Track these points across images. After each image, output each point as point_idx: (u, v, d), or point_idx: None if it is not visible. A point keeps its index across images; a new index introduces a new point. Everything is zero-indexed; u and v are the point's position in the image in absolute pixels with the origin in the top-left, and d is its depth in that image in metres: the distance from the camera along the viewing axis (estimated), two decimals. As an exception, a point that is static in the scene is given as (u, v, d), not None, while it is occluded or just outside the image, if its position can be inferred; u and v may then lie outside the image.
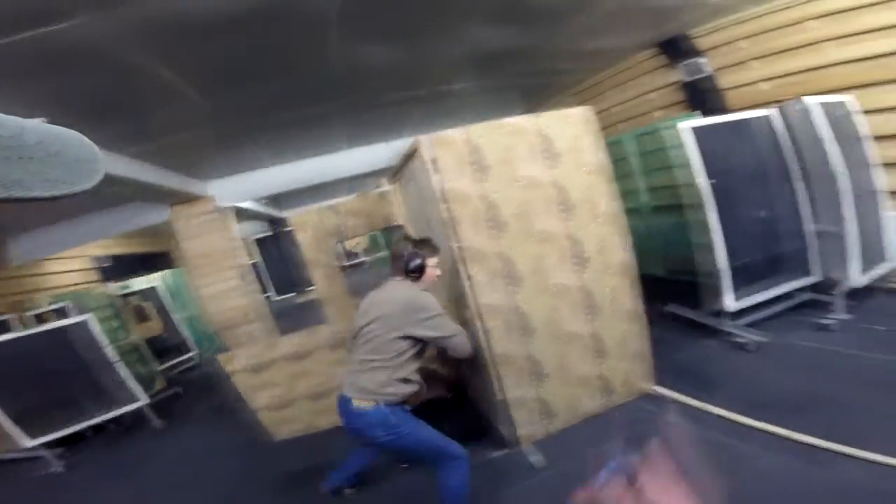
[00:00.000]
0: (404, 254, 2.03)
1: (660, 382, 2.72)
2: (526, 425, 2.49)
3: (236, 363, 3.04)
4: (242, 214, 6.88)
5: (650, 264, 4.27)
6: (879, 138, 3.13)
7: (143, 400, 4.10)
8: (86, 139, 0.28)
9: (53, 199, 0.24)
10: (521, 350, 2.45)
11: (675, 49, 4.03)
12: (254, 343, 3.89)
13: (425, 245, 2.09)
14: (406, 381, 1.93)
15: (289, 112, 3.76)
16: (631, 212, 4.33)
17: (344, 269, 12.86)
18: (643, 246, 4.14)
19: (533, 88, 5.04)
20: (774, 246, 3.12)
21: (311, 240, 3.05)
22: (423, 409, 2.82)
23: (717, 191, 2.90)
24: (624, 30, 3.72)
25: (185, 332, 6.00)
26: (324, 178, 5.59)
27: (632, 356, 2.68)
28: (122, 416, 4.05)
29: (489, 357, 2.39)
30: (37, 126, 0.25)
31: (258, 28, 2.23)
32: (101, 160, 0.28)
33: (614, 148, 4.07)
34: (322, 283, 3.11)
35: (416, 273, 2.04)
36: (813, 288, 3.23)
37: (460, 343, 2.00)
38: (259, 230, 10.97)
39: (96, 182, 0.27)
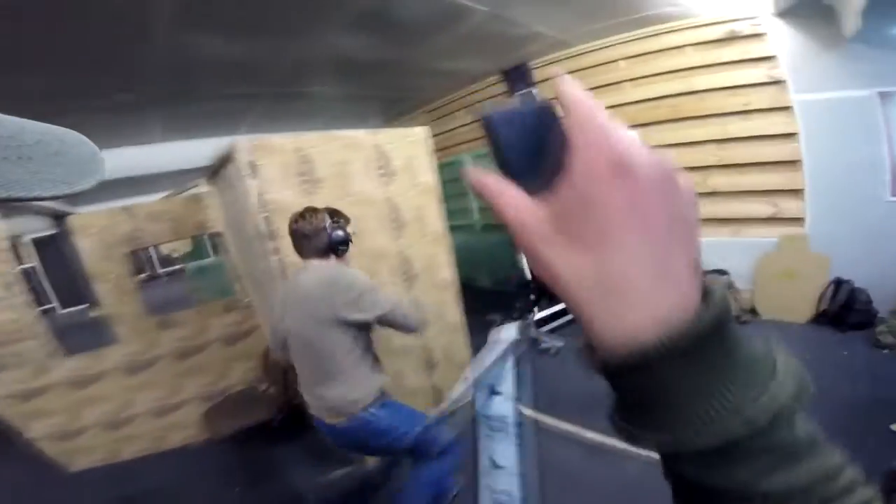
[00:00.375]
0: (324, 227, 1.66)
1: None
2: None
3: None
4: (8, 207, 5.26)
5: (479, 277, 4.71)
6: None
7: None
8: (86, 139, 0.27)
9: (53, 198, 0.23)
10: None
11: (516, 78, 4.44)
12: (20, 366, 3.04)
13: (338, 213, 1.77)
14: (371, 370, 1.69)
15: (92, 99, 3.07)
16: (464, 228, 4.71)
17: (151, 279, 10.99)
18: (474, 259, 4.52)
19: (393, 101, 5.09)
20: None
21: (97, 247, 2.48)
22: (243, 437, 2.58)
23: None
24: (476, 54, 3.92)
25: None
26: (132, 172, 4.65)
27: (458, 366, 2.87)
28: None
29: None
30: (36, 125, 0.24)
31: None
32: (102, 160, 0.27)
33: (453, 167, 4.26)
34: (111, 299, 2.56)
35: (344, 247, 1.72)
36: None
37: (404, 317, 1.68)
38: (39, 227, 8.60)
39: (96, 182, 0.26)
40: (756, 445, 0.22)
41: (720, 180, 3.63)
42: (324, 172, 2.22)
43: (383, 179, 2.42)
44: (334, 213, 1.74)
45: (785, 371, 0.23)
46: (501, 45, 3.82)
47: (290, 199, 2.13)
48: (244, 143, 2.02)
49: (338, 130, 2.32)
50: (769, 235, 3.49)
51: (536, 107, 0.26)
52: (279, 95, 4.13)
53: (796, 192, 3.34)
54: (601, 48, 3.98)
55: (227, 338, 3.10)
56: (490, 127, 0.26)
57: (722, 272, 3.70)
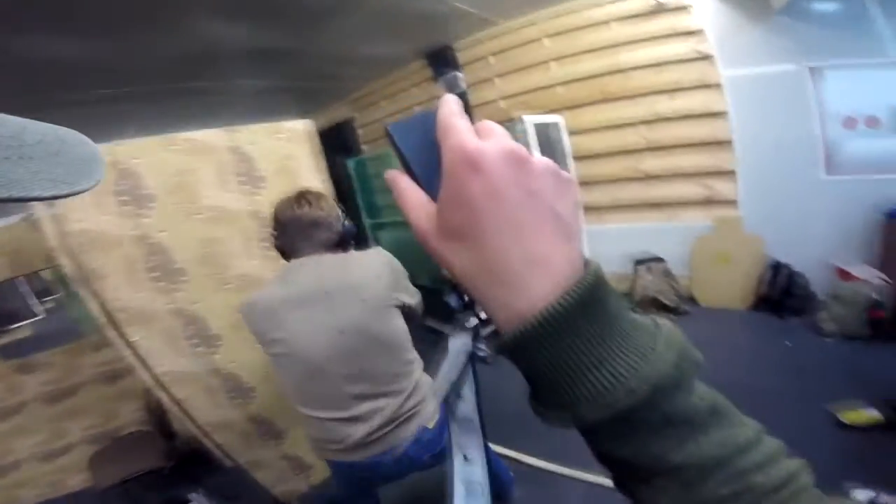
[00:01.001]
0: (338, 213, 1.30)
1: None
2: (279, 484, 2.13)
3: None
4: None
5: (418, 274, 4.30)
6: (578, 158, 3.63)
7: None
8: (87, 139, 0.27)
9: (54, 199, 0.23)
10: (239, 413, 1.97)
11: (440, 61, 4.02)
12: None
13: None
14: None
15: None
16: (397, 225, 4.31)
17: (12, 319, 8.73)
18: (410, 257, 4.12)
19: (308, 92, 4.61)
20: None
21: None
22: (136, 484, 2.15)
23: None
24: (392, 36, 3.51)
25: None
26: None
27: None
28: None
29: (193, 429, 1.89)
30: (38, 125, 0.24)
31: None
32: (102, 160, 0.26)
33: (382, 160, 3.91)
34: None
35: (354, 241, 1.38)
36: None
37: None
38: None
39: (96, 182, 0.25)
40: (652, 418, 0.24)
41: (652, 163, 3.40)
42: (156, 187, 1.70)
43: (246, 189, 1.94)
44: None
45: (667, 342, 0.25)
46: (420, 25, 3.41)
47: (107, 226, 1.61)
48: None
49: (181, 132, 1.80)
50: (704, 219, 3.31)
51: (433, 116, 0.29)
52: (168, 93, 3.62)
53: (728, 174, 3.15)
54: (525, 26, 3.63)
55: (102, 377, 2.69)
56: (393, 138, 0.30)
57: (658, 259, 3.51)
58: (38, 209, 1.51)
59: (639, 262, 3.55)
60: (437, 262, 0.28)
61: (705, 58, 2.97)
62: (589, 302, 0.24)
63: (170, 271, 1.75)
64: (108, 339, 2.49)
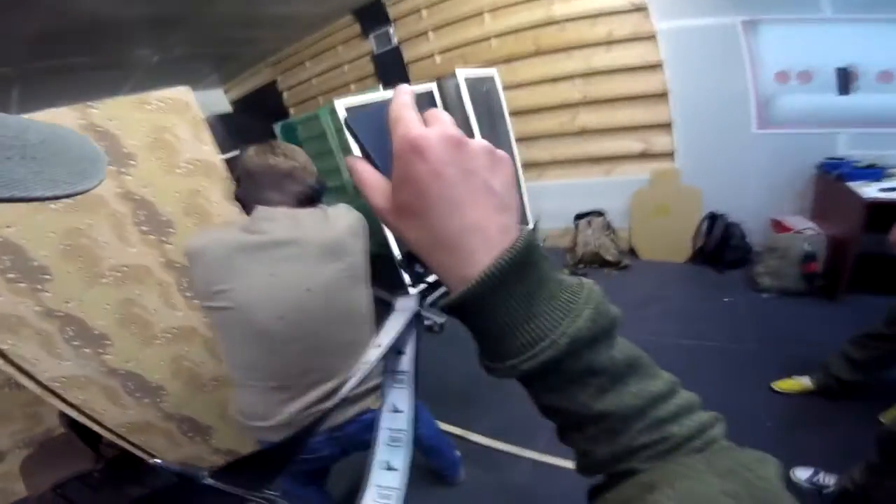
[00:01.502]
0: (310, 173, 1.12)
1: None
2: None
3: None
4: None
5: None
6: (515, 113, 3.46)
7: None
8: (88, 139, 0.27)
9: (55, 198, 0.23)
10: (152, 413, 1.82)
11: (369, 17, 3.66)
12: None
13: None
14: None
15: None
16: (336, 190, 4.05)
17: None
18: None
19: (225, 57, 4.15)
20: None
21: None
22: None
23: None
24: None
25: None
26: None
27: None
28: None
29: (104, 432, 1.75)
30: (40, 125, 0.24)
31: None
32: (104, 160, 0.26)
33: (312, 123, 3.61)
34: None
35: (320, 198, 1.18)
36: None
37: None
38: None
39: (98, 182, 0.25)
40: (575, 367, 0.28)
41: (589, 118, 3.27)
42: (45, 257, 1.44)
43: (112, 168, 1.67)
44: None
45: (586, 300, 0.28)
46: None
47: (10, 305, 1.36)
48: None
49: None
50: (642, 173, 3.25)
51: (387, 107, 0.31)
52: (55, 69, 3.16)
53: (665, 126, 3.07)
54: None
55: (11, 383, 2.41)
56: (350, 127, 0.33)
57: (599, 213, 3.47)
58: None
59: (579, 217, 3.51)
60: (394, 236, 0.33)
61: (640, 9, 2.80)
62: (520, 264, 0.27)
63: (30, 270, 1.49)
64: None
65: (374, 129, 0.32)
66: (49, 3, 2.25)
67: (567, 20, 3.04)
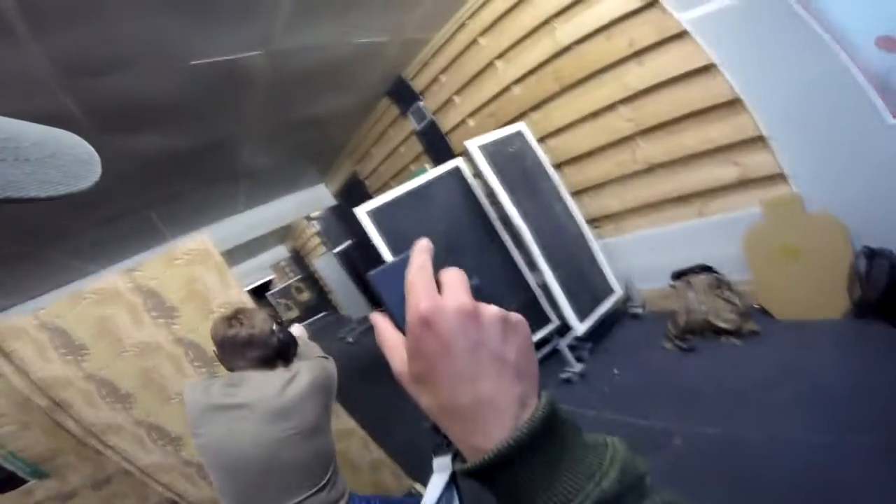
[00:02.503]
0: (270, 330, 1.51)
1: (415, 477, 2.70)
2: (191, 491, 2.46)
3: None
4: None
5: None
6: (560, 165, 3.24)
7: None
8: (82, 141, 0.29)
9: (50, 199, 0.24)
10: (172, 457, 2.43)
11: (400, 96, 4.03)
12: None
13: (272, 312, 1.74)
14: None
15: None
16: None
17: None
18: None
19: (312, 155, 5.17)
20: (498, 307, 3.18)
21: None
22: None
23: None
24: (350, 86, 3.72)
25: (12, 467, 5.50)
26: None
27: (368, 468, 2.70)
28: None
29: (80, 432, 2.32)
30: (34, 127, 0.26)
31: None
32: (98, 161, 0.29)
33: None
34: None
35: (294, 350, 1.61)
36: (560, 331, 3.35)
37: None
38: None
39: (92, 183, 0.27)
40: None
41: (652, 149, 2.78)
42: (84, 337, 2.28)
43: (162, 321, 2.41)
44: (269, 313, 1.61)
45: (612, 460, 0.30)
46: (358, 70, 3.54)
47: (60, 371, 2.26)
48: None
49: (87, 285, 2.33)
50: (748, 205, 2.58)
51: (407, 261, 0.35)
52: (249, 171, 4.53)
53: (756, 141, 2.42)
54: (456, 31, 3.40)
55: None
56: (375, 284, 0.35)
57: (702, 268, 2.87)
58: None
59: (676, 276, 2.97)
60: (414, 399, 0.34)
61: (650, 5, 2.35)
62: (538, 436, 0.30)
63: (120, 396, 2.28)
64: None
65: (396, 286, 0.35)
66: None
67: (576, 42, 2.74)
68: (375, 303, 0.38)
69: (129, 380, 2.34)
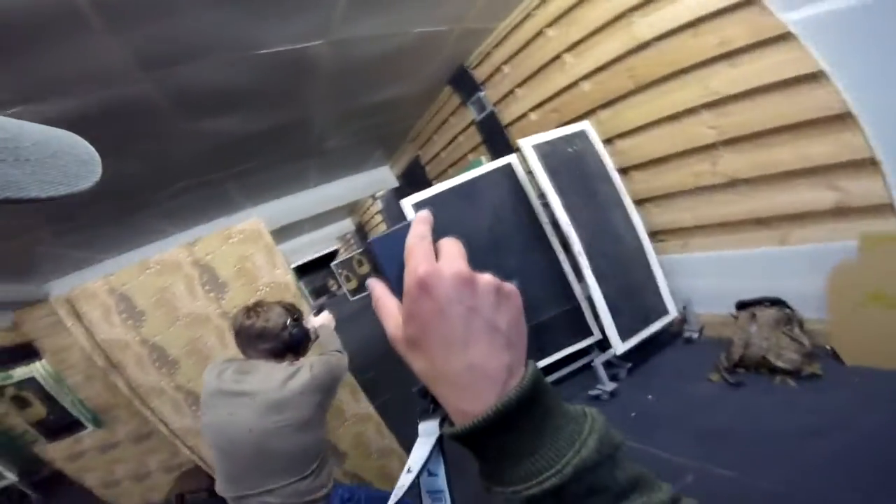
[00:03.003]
0: (284, 324, 1.57)
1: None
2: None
3: (52, 454, 3.65)
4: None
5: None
6: (627, 169, 2.97)
7: (11, 478, 4.67)
8: (83, 140, 0.30)
9: (50, 200, 0.25)
10: (166, 382, 2.53)
11: (462, 85, 3.91)
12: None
13: (293, 306, 1.69)
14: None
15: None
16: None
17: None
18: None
19: (377, 139, 5.26)
20: (537, 313, 2.99)
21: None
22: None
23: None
24: (412, 73, 3.67)
25: (77, 413, 6.27)
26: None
27: (377, 454, 2.76)
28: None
29: (128, 391, 2.49)
30: (34, 127, 0.27)
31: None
32: (98, 161, 0.29)
33: None
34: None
35: (305, 345, 1.68)
36: (601, 345, 3.15)
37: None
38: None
39: (93, 183, 0.28)
40: (578, 491, 0.30)
41: (737, 162, 2.45)
42: (144, 304, 2.44)
43: (212, 295, 2.54)
44: (292, 309, 1.66)
45: (590, 429, 0.31)
46: (419, 59, 3.46)
47: (120, 335, 2.46)
48: (61, 299, 2.45)
49: (153, 254, 2.51)
50: (842, 237, 2.22)
51: (407, 230, 0.36)
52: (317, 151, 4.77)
53: (865, 165, 2.04)
54: (522, 21, 3.17)
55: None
56: (372, 251, 0.37)
57: (773, 302, 2.54)
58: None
59: (742, 306, 2.66)
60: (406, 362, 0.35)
61: (749, 2, 2.01)
62: (524, 403, 0.30)
63: (168, 362, 2.43)
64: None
65: (395, 253, 0.35)
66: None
67: (657, 38, 2.44)
68: (375, 270, 0.37)
69: (177, 347, 2.50)
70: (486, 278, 0.33)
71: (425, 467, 0.39)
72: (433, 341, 0.32)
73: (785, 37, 2.00)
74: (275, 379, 1.48)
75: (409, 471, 0.38)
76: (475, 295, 0.32)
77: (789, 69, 2.06)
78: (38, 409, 5.98)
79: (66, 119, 2.35)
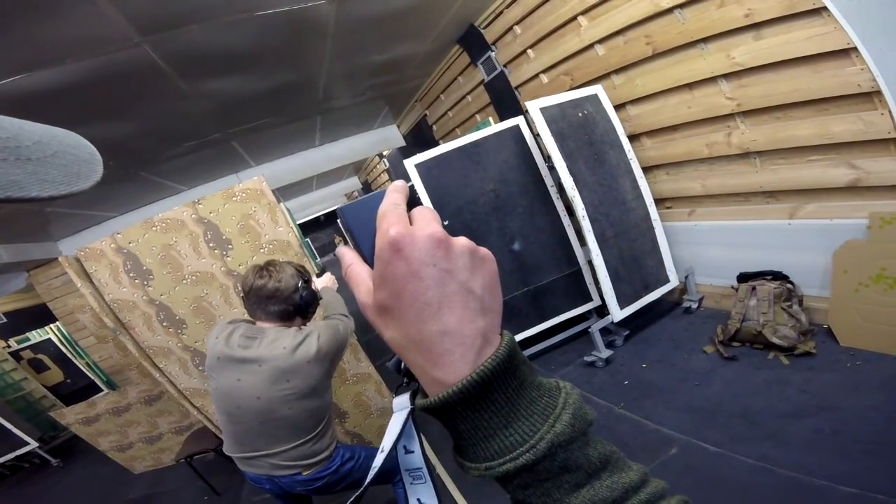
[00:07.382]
0: (296, 287, 1.50)
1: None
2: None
3: (68, 418, 3.52)
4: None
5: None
6: (638, 136, 2.85)
7: (32, 444, 4.80)
8: (84, 140, 0.29)
9: (51, 199, 0.24)
10: (173, 342, 2.53)
11: (471, 44, 3.70)
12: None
13: (302, 268, 1.60)
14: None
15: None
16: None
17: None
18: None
19: (385, 97, 5.04)
20: (537, 276, 2.97)
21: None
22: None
23: (453, 231, 2.79)
24: (419, 32, 3.47)
25: (92, 375, 6.12)
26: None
27: (378, 413, 2.83)
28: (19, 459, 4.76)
29: (136, 351, 2.47)
30: (35, 126, 0.26)
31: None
32: (99, 161, 0.29)
33: None
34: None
35: (314, 309, 1.59)
36: (599, 312, 3.12)
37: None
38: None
39: (94, 182, 0.27)
40: (551, 467, 0.29)
41: (753, 134, 2.34)
42: (150, 262, 2.41)
43: (217, 252, 2.49)
44: (302, 270, 1.57)
45: (564, 404, 0.30)
46: (426, 17, 3.25)
47: (127, 294, 2.43)
48: (69, 259, 2.39)
49: (157, 211, 2.46)
50: (852, 215, 2.13)
51: (379, 198, 0.34)
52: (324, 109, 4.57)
53: (887, 144, 1.92)
54: None
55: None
56: (344, 218, 0.35)
57: (774, 275, 2.48)
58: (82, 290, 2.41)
59: (743, 279, 2.60)
60: (377, 331, 0.33)
61: None
62: (499, 374, 0.29)
63: (174, 321, 2.45)
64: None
65: (366, 221, 0.33)
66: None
67: (679, 6, 2.26)
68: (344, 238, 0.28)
69: (183, 307, 2.49)
70: (461, 241, 0.31)
71: (399, 443, 0.37)
72: (405, 305, 0.29)
73: (818, 11, 1.84)
74: (283, 346, 1.43)
75: (381, 450, 0.36)
76: (449, 257, 0.30)
77: (819, 44, 1.92)
78: (55, 373, 6.10)
79: (68, 83, 2.27)
